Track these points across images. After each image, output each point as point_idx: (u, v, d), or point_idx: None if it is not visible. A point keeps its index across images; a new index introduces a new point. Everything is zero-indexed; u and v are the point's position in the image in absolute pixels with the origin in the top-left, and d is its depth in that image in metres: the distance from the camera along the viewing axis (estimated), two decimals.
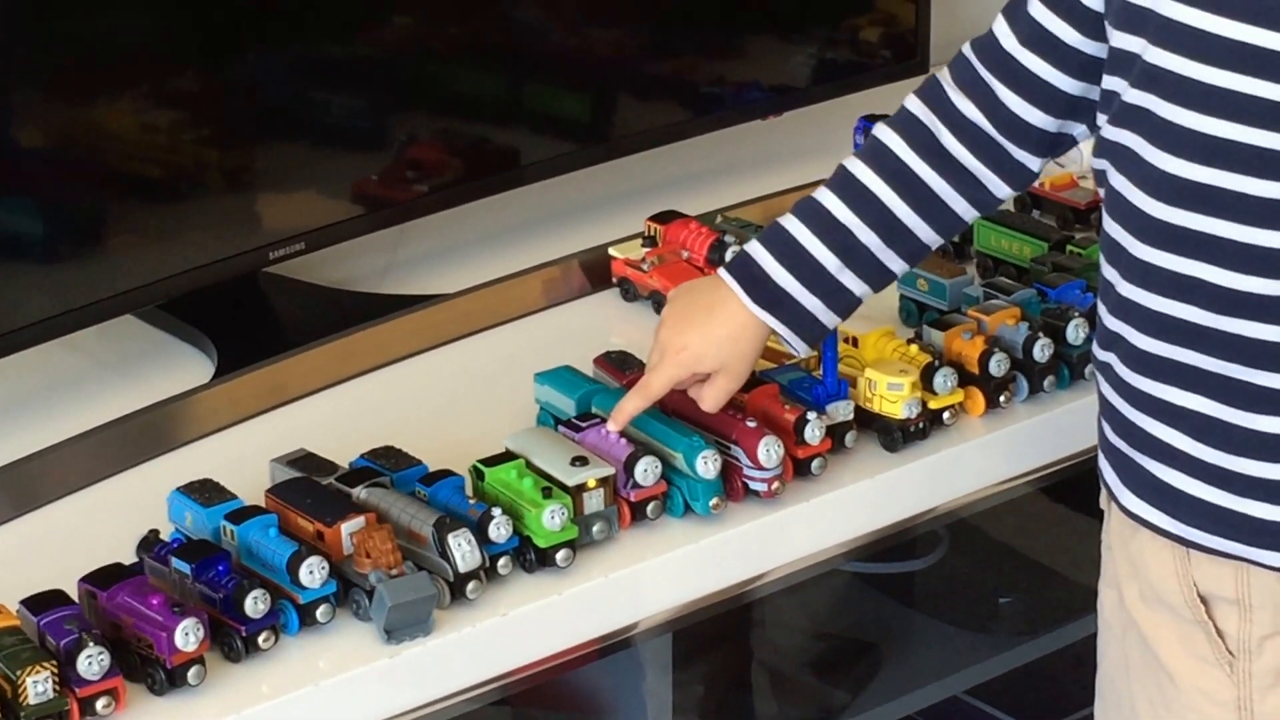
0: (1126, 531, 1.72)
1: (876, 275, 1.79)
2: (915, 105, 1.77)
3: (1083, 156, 2.44)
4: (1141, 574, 1.71)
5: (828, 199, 1.78)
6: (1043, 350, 1.98)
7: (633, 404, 1.83)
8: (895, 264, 1.79)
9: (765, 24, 2.51)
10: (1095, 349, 1.71)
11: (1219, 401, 1.61)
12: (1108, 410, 1.70)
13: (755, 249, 1.80)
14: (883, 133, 1.78)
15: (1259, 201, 1.54)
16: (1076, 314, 2.01)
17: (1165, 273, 1.61)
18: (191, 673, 1.61)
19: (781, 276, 1.78)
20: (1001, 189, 1.77)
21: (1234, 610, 1.66)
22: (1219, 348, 1.60)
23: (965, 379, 1.96)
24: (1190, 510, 1.65)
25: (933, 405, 1.94)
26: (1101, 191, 1.67)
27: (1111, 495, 1.72)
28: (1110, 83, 1.63)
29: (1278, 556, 1.62)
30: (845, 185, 1.78)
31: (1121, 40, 1.60)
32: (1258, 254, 1.56)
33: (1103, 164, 1.66)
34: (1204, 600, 1.66)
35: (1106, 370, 1.69)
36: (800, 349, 1.82)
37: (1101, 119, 1.66)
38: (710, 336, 1.81)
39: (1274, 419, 1.60)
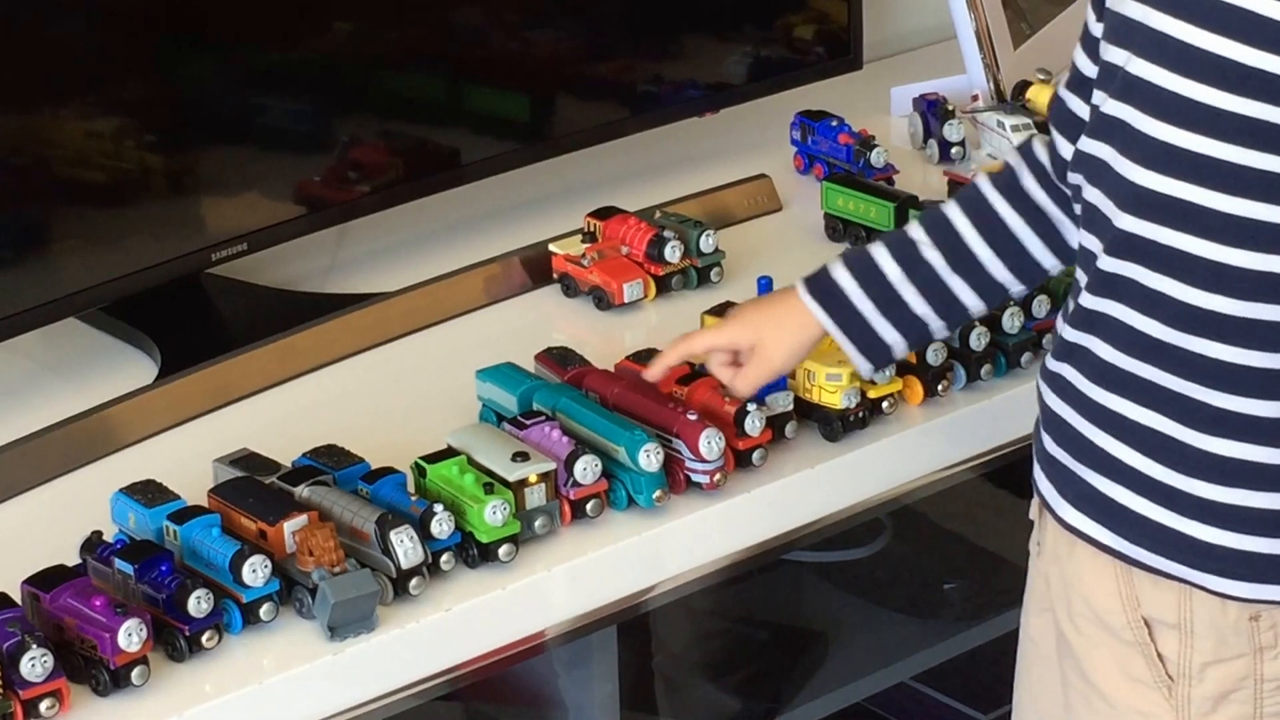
0: (1062, 548, 1.70)
1: (943, 301, 1.77)
2: (1009, 153, 1.80)
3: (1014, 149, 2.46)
4: (1077, 592, 1.69)
5: (910, 224, 1.80)
6: (979, 339, 2.00)
7: (671, 355, 1.86)
8: (966, 295, 1.77)
9: (701, 23, 2.52)
10: (1049, 360, 1.70)
11: (1175, 420, 1.60)
12: (1052, 421, 1.69)
13: (832, 260, 1.82)
14: (978, 176, 1.80)
15: (1229, 218, 1.53)
16: (1012, 303, 2.02)
17: (1132, 285, 1.59)
18: (135, 673, 1.62)
19: (839, 274, 1.79)
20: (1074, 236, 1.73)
21: (1174, 635, 1.64)
22: (1181, 366, 1.58)
23: (903, 368, 1.98)
24: (1133, 527, 1.63)
25: (871, 395, 1.95)
26: (1077, 208, 1.66)
27: (1047, 506, 1.71)
28: (1095, 97, 1.62)
29: (1219, 581, 1.61)
30: (928, 214, 1.80)
31: (1110, 54, 1.60)
32: (1225, 272, 1.54)
33: (1078, 179, 1.65)
34: (1146, 623, 1.65)
35: (1057, 381, 1.68)
36: (860, 363, 1.80)
37: (1082, 133, 1.65)
38: (755, 314, 1.83)
39: (1227, 442, 1.58)
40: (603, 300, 2.20)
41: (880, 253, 1.78)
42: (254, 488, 1.77)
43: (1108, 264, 1.61)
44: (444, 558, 1.74)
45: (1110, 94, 1.59)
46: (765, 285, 1.89)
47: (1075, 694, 1.72)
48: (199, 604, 1.64)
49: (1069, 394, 1.66)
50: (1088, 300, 1.63)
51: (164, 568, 1.66)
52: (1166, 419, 1.60)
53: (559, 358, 1.99)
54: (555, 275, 2.25)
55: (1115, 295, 1.61)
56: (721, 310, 2.07)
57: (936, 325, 1.79)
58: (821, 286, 1.79)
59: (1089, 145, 1.62)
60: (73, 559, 1.72)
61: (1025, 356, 2.04)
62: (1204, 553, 1.61)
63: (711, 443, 1.84)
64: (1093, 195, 1.63)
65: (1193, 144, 1.52)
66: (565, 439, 1.82)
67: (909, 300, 1.77)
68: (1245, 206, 1.52)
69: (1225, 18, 1.50)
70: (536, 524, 1.79)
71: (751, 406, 1.87)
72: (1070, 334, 1.66)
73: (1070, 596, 1.70)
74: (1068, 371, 1.66)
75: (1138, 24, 1.56)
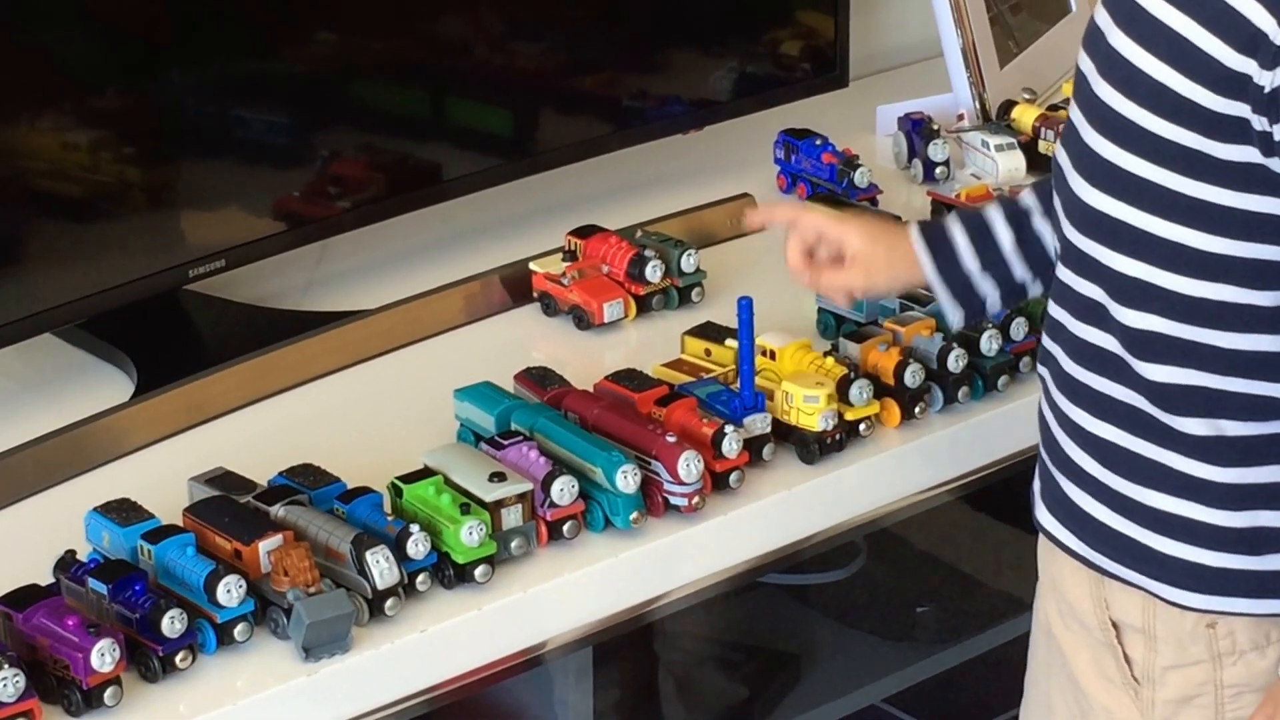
0: (1047, 551, 1.74)
1: (1047, 269, 1.78)
2: None
3: (998, 169, 2.47)
4: (1060, 592, 1.73)
5: (1024, 192, 1.83)
6: (957, 361, 2.00)
7: (778, 214, 1.91)
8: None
9: (685, 39, 2.52)
10: (1038, 364, 1.73)
11: (1126, 431, 1.62)
12: (1041, 423, 1.72)
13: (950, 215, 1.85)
14: None
15: (1162, 242, 1.55)
16: (990, 325, 2.03)
17: (1080, 298, 1.62)
18: (108, 693, 1.61)
19: (955, 229, 1.82)
20: None
21: (1140, 638, 1.67)
22: (1126, 380, 1.61)
23: (881, 390, 1.98)
24: (1099, 537, 1.66)
25: (849, 417, 1.95)
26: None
27: (1031, 508, 1.74)
28: (1071, 100, 1.65)
29: (1173, 591, 1.63)
30: (1043, 183, 1.81)
31: (1081, 60, 1.62)
32: (1156, 294, 1.57)
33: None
34: (1115, 625, 1.68)
35: (1043, 384, 1.71)
36: (951, 312, 1.83)
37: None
38: (876, 229, 1.86)
39: (1174, 455, 1.60)
40: (583, 320, 2.20)
41: (996, 217, 1.81)
42: (229, 507, 1.76)
43: (1062, 273, 1.64)
44: (420, 578, 1.74)
45: (1077, 100, 1.62)
46: (746, 306, 1.89)
47: (1058, 683, 1.76)
48: (173, 624, 1.64)
49: (1048, 398, 1.69)
50: (1051, 308, 1.67)
51: (138, 587, 1.66)
52: (1117, 430, 1.63)
53: (538, 377, 1.99)
54: (535, 294, 2.25)
55: (1067, 306, 1.64)
56: (702, 331, 2.07)
57: (1035, 289, 1.82)
58: (934, 237, 1.82)
59: (1058, 150, 1.65)
60: (46, 578, 1.71)
61: (1003, 380, 2.04)
62: (1158, 562, 1.63)
63: (690, 465, 1.84)
64: (1055, 201, 1.66)
65: (1133, 165, 1.55)
66: (543, 460, 1.82)
67: (1014, 266, 1.80)
68: (1177, 232, 1.54)
69: (1168, 45, 1.52)
70: (513, 545, 1.78)
71: (729, 428, 1.87)
72: (1046, 340, 1.69)
73: (1055, 596, 1.74)
74: (1046, 376, 1.70)
75: (1101, 35, 1.59)
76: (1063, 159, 1.63)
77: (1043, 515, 1.72)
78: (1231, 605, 1.62)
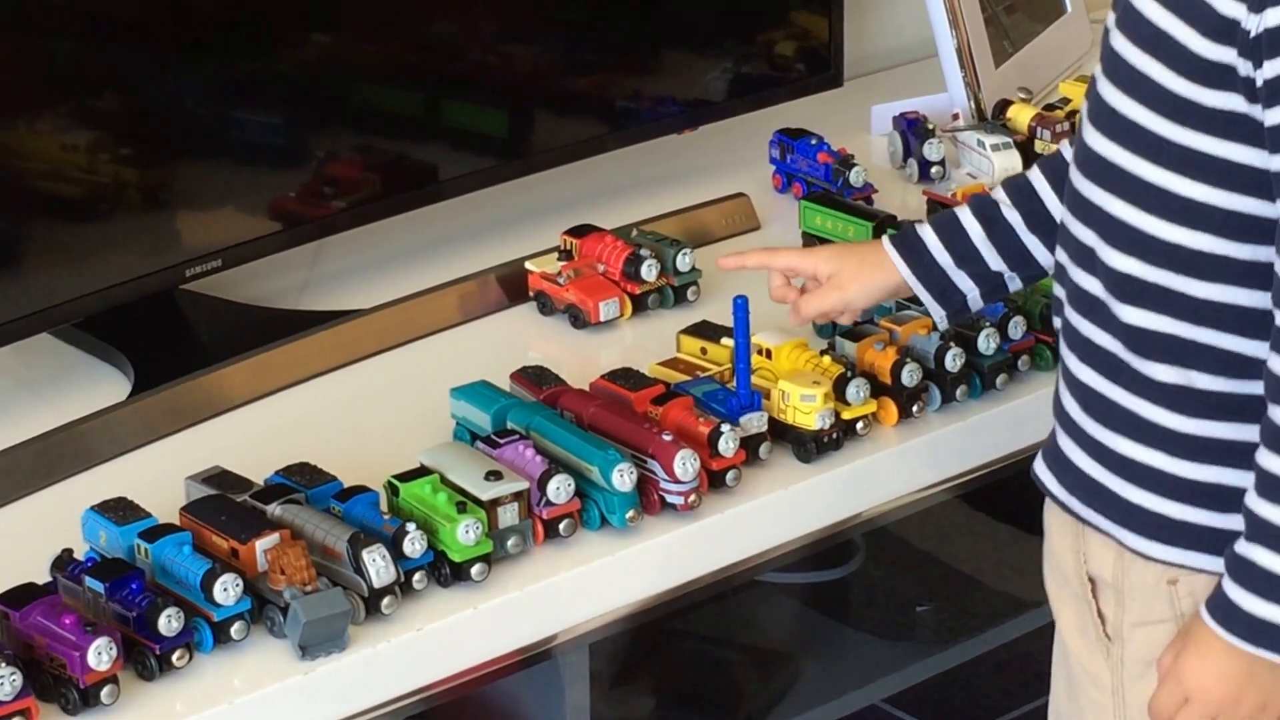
0: (1046, 510, 1.76)
1: (1019, 258, 1.84)
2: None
3: (994, 168, 2.47)
4: (1050, 546, 1.76)
5: (995, 188, 1.87)
6: (954, 360, 2.00)
7: (753, 259, 1.96)
8: (1040, 253, 1.83)
9: (680, 39, 2.52)
10: (1052, 314, 1.75)
11: (1104, 377, 1.64)
12: (1057, 373, 1.75)
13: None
14: (1061, 144, 1.86)
15: (1148, 186, 1.58)
16: (988, 324, 2.03)
17: (1077, 243, 1.65)
18: (105, 692, 1.61)
19: (923, 229, 1.87)
20: None
21: (1112, 594, 1.69)
22: (1109, 324, 1.63)
23: (878, 389, 1.98)
24: (1077, 482, 1.69)
25: (846, 416, 1.95)
26: None
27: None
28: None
29: (1140, 540, 1.65)
30: (1013, 179, 1.87)
31: (1109, 15, 1.65)
32: (1140, 239, 1.59)
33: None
34: (1092, 580, 1.70)
35: (1056, 335, 1.74)
36: (935, 310, 1.87)
37: None
38: (841, 249, 1.95)
39: (1145, 403, 1.62)
40: (579, 319, 2.20)
41: (964, 212, 1.86)
42: (226, 506, 1.76)
43: (1066, 217, 1.67)
44: (416, 577, 1.74)
45: (1101, 52, 1.65)
46: (741, 305, 1.90)
47: (1057, 648, 1.79)
48: (169, 622, 1.64)
49: (1058, 345, 1.72)
50: (1057, 252, 1.70)
51: (135, 586, 1.66)
52: (1096, 374, 1.65)
53: (534, 376, 1.99)
54: (531, 293, 2.25)
55: (1065, 249, 1.67)
56: (698, 330, 2.07)
57: (1015, 284, 1.86)
58: (904, 239, 1.87)
59: (1084, 102, 1.68)
60: (43, 577, 1.71)
61: (1001, 378, 2.04)
62: (1125, 510, 1.65)
63: (686, 464, 1.84)
64: (1071, 150, 1.70)
65: (1131, 111, 1.58)
66: (539, 458, 1.82)
67: (986, 257, 1.84)
68: (1163, 176, 1.57)
69: (1181, 3, 1.55)
70: (509, 543, 1.78)
71: (726, 427, 1.87)
72: (1055, 286, 1.72)
73: (1049, 550, 1.77)
74: (1058, 325, 1.72)
75: None
76: (1083, 108, 1.67)
77: (1037, 463, 1.75)
78: (1191, 559, 1.64)
